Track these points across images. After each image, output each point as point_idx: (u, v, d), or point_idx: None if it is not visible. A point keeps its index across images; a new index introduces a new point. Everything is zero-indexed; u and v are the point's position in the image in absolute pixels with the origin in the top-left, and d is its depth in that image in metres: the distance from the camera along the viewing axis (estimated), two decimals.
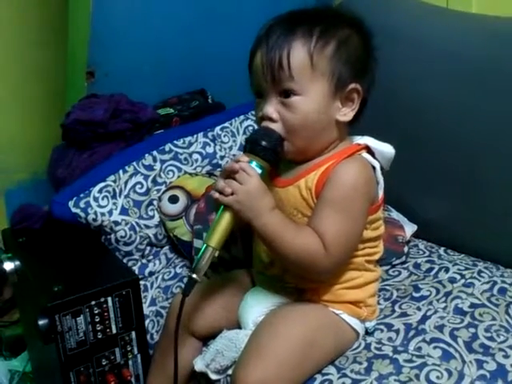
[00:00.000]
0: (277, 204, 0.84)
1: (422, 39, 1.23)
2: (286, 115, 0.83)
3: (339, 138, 0.88)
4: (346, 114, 0.85)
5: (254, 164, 0.83)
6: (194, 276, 0.82)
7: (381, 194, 0.88)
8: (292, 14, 0.86)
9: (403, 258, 1.14)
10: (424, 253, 1.18)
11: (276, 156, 0.84)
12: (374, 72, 0.87)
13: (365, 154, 0.87)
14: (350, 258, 0.87)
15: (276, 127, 0.83)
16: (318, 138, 0.85)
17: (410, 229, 1.21)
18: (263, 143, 0.82)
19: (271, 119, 0.83)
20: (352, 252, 0.87)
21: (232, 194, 0.80)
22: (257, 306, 0.92)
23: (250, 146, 0.84)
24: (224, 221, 0.82)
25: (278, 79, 0.82)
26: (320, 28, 0.82)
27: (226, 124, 1.38)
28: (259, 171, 0.82)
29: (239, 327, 0.93)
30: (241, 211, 0.81)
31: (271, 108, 0.83)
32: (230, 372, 0.89)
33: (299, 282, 0.89)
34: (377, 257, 0.93)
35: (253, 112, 1.43)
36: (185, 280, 1.18)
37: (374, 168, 0.86)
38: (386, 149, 0.88)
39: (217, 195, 0.82)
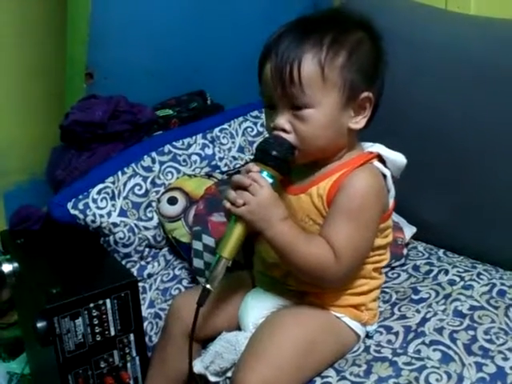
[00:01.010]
0: (289, 211, 0.84)
1: (420, 40, 1.23)
2: (299, 127, 0.82)
3: (349, 145, 0.87)
4: (358, 121, 0.85)
5: (264, 174, 0.82)
6: (208, 286, 0.83)
7: (391, 202, 0.88)
8: (301, 21, 0.85)
9: (402, 260, 1.14)
10: (423, 255, 1.17)
11: (287, 165, 0.83)
12: (384, 75, 0.86)
13: (376, 163, 0.86)
14: (360, 266, 0.87)
15: (288, 137, 0.83)
16: (330, 146, 0.85)
17: (409, 231, 1.21)
18: (274, 153, 0.81)
19: (284, 130, 0.83)
20: (363, 261, 0.87)
21: (244, 204, 0.80)
22: (257, 308, 0.91)
23: (261, 156, 0.83)
24: (236, 231, 0.82)
25: (290, 94, 0.81)
26: (330, 37, 0.81)
27: (225, 125, 1.38)
28: (270, 181, 0.82)
29: (239, 329, 0.93)
30: (253, 222, 0.80)
31: (284, 120, 0.83)
32: (229, 374, 0.88)
33: (302, 285, 0.89)
34: (384, 264, 0.93)
35: (252, 113, 1.44)
36: (184, 282, 1.17)
37: (384, 176, 0.86)
38: (398, 158, 0.88)
39: (228, 205, 0.82)
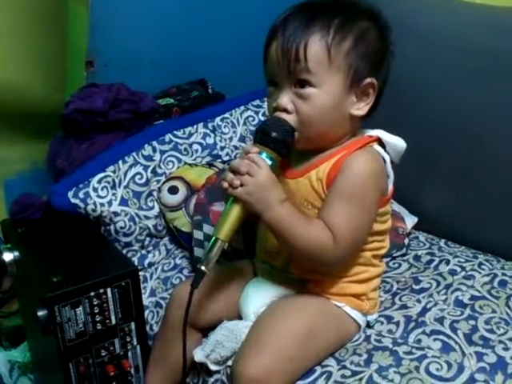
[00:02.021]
0: (287, 195, 0.83)
1: (426, 29, 1.22)
2: (301, 107, 0.82)
3: (351, 132, 0.87)
4: (361, 108, 0.84)
5: (264, 155, 0.81)
6: (203, 268, 0.82)
7: (390, 187, 0.88)
8: (309, 4, 0.84)
9: (403, 250, 1.14)
10: (424, 245, 1.17)
11: (286, 148, 0.83)
12: (390, 64, 0.86)
13: (376, 147, 0.86)
14: (359, 251, 0.87)
15: (289, 119, 0.82)
16: (331, 131, 0.85)
17: (410, 221, 1.21)
18: (274, 134, 0.81)
19: (286, 110, 0.82)
20: (362, 244, 0.87)
21: (242, 185, 0.80)
22: (258, 297, 0.91)
23: (260, 137, 0.82)
24: (233, 213, 0.81)
25: (294, 70, 0.81)
26: (338, 21, 0.81)
27: (227, 115, 1.38)
28: (269, 163, 0.81)
29: (240, 318, 0.93)
30: (250, 203, 0.80)
31: (286, 99, 0.82)
32: (229, 363, 0.89)
33: (304, 273, 0.89)
34: (383, 251, 0.93)
35: (253, 103, 1.43)
36: (184, 271, 1.17)
37: (384, 161, 0.86)
38: (398, 142, 0.88)
39: (226, 185, 0.81)
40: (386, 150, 0.87)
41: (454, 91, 1.17)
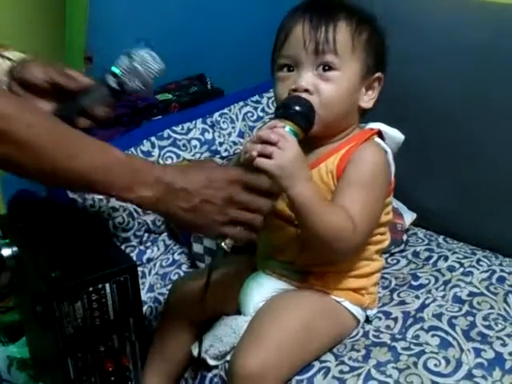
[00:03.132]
0: None
1: (426, 26, 1.22)
2: (322, 87, 0.83)
3: (356, 124, 0.90)
4: (368, 101, 0.88)
5: (287, 129, 0.80)
6: (223, 245, 0.79)
7: (392, 178, 0.90)
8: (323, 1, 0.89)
9: (402, 246, 1.14)
10: (423, 241, 1.17)
11: (309, 124, 0.82)
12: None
13: (377, 139, 0.89)
14: (365, 244, 0.88)
15: (311, 99, 0.83)
16: (342, 120, 0.87)
17: (409, 217, 1.21)
18: (297, 108, 0.81)
19: (307, 90, 0.83)
20: (373, 232, 0.88)
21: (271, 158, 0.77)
22: (257, 292, 0.91)
23: (283, 111, 0.81)
24: None
25: (322, 51, 0.83)
26: (356, 17, 0.86)
27: (225, 110, 1.37)
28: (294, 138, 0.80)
29: (238, 313, 0.93)
30: (280, 177, 0.78)
31: (308, 79, 0.83)
32: (228, 358, 0.89)
33: (309, 265, 0.89)
34: (385, 244, 0.94)
35: (252, 98, 1.43)
36: (183, 267, 1.18)
37: (385, 152, 0.88)
38: (396, 134, 0.90)
39: (255, 154, 0.77)
40: (385, 142, 0.89)
41: (454, 88, 1.16)
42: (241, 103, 1.40)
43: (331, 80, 0.83)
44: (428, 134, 1.20)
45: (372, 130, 0.89)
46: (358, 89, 0.86)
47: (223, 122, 1.36)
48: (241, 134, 1.37)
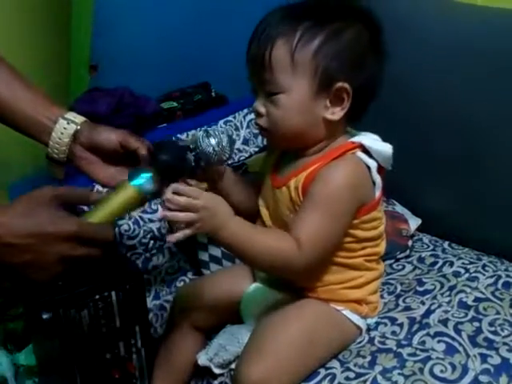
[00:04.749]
0: (274, 204, 0.84)
1: (426, 31, 1.22)
2: (271, 111, 0.83)
3: (330, 137, 0.86)
4: (335, 113, 0.82)
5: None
6: None
7: (377, 193, 0.86)
8: (288, 5, 0.85)
9: (407, 252, 1.14)
10: (428, 247, 1.17)
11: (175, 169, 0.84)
12: (376, 67, 0.84)
13: (359, 153, 0.83)
14: (328, 257, 0.85)
15: (261, 121, 0.85)
16: (304, 133, 0.85)
17: (414, 223, 1.21)
18: (163, 157, 0.82)
19: (259, 113, 0.85)
20: (329, 252, 0.85)
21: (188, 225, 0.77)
22: (259, 301, 0.92)
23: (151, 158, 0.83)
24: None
25: (263, 80, 0.83)
26: (310, 21, 0.80)
27: (230, 118, 1.38)
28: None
29: (242, 322, 0.93)
30: (208, 232, 0.78)
31: (259, 103, 0.85)
32: (233, 366, 0.89)
33: (297, 281, 0.89)
34: (378, 256, 0.92)
35: None
36: (188, 274, 1.18)
37: (368, 167, 0.84)
38: (384, 148, 0.84)
39: (189, 232, 0.77)
40: (372, 156, 0.84)
41: (458, 93, 1.16)
42: (245, 110, 1.41)
43: (278, 104, 0.82)
44: (433, 140, 1.20)
45: (353, 143, 0.84)
46: (315, 102, 0.82)
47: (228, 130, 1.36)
48: (245, 142, 1.38)
